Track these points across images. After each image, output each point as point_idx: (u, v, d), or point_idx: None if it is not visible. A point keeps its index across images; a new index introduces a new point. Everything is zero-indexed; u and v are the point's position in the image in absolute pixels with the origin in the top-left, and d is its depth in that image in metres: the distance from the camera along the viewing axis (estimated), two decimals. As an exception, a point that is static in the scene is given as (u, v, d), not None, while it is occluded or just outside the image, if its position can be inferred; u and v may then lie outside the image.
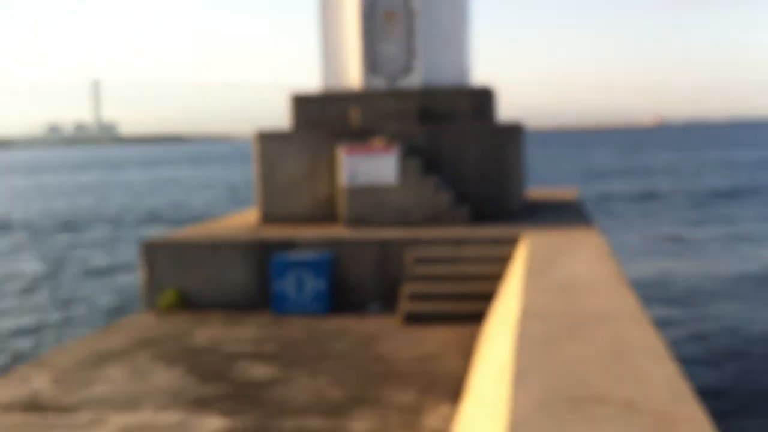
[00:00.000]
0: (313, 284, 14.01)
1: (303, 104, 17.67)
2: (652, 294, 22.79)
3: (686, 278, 25.68)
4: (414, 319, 12.88)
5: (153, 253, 14.95)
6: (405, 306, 13.11)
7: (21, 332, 20.51)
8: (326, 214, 16.73)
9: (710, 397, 14.14)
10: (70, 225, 47.73)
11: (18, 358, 17.53)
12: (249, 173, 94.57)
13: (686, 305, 21.97)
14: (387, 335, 12.20)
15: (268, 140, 16.94)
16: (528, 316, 7.56)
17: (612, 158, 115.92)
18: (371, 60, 17.57)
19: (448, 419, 8.42)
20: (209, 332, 12.85)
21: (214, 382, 10.13)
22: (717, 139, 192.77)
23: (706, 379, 15.59)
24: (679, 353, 16.49)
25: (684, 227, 38.55)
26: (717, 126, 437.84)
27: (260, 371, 10.50)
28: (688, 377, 5.67)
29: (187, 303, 14.74)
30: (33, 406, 9.37)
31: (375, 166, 15.68)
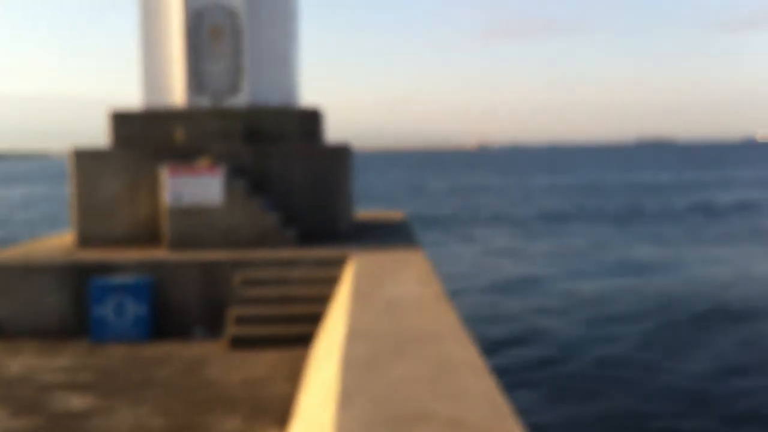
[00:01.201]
0: (134, 309, 13.50)
1: (123, 121, 17.05)
2: (475, 310, 23.59)
3: (510, 294, 26.78)
4: (241, 342, 12.67)
5: (-43, 278, 13.91)
6: (231, 329, 12.87)
7: None
8: (148, 236, 16.19)
9: (527, 405, 14.79)
10: None
11: None
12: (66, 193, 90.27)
13: (510, 321, 22.89)
14: (213, 360, 11.93)
15: (84, 158, 16.21)
16: (353, 337, 7.61)
17: (441, 179, 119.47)
18: (196, 78, 17.22)
19: (275, 444, 8.31)
20: (22, 362, 12.09)
21: (28, 414, 9.52)
22: (538, 163, 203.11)
23: (523, 389, 16.28)
24: (498, 368, 17.14)
25: (513, 246, 40.22)
26: (536, 150, 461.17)
27: (78, 402, 9.97)
28: (506, 392, 5.87)
29: (-4, 332, 13.80)
30: None
31: (200, 188, 15.35)
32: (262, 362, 11.72)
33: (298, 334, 12.71)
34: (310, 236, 16.27)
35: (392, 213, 23.31)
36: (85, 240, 16.21)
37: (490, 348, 19.34)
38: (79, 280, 13.91)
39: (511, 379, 17.01)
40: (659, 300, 25.96)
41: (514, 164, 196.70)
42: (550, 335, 21.37)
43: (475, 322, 21.58)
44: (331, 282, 13.74)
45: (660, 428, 14.71)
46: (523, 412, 13.62)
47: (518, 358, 19.05)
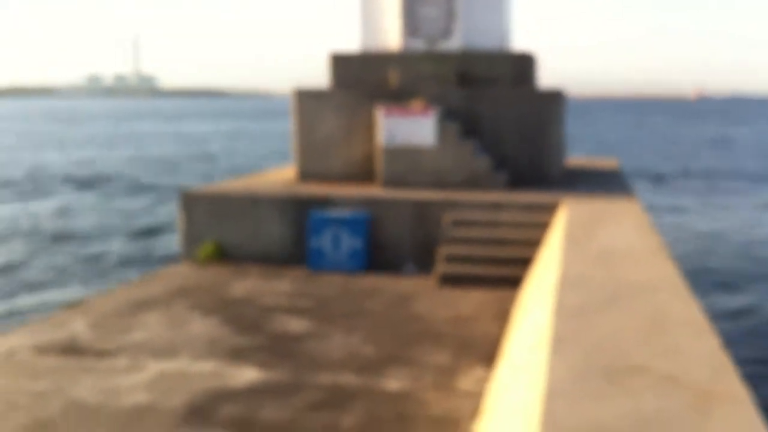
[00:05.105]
0: (350, 242, 14.06)
1: (341, 63, 17.59)
2: (693, 267, 22.51)
3: (730, 253, 25.32)
4: (450, 280, 12.89)
5: (192, 204, 15.08)
6: (441, 267, 13.11)
7: (62, 279, 20.88)
8: (363, 174, 16.72)
9: (751, 372, 14.00)
10: (112, 175, 48.22)
11: (59, 304, 17.86)
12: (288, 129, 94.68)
13: (728, 280, 21.70)
14: (422, 295, 12.23)
15: (306, 98, 16.91)
16: (567, 284, 7.51)
17: (662, 128, 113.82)
18: (411, 21, 17.40)
19: (482, 382, 8.44)
20: (246, 284, 12.98)
21: (250, 333, 10.25)
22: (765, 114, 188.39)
23: (747, 354, 15.42)
24: (721, 328, 16.30)
25: (752, 204, 37.54)
26: (764, 102, 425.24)
27: (295, 325, 10.60)
28: (729, 352, 5.59)
29: (225, 255, 14.88)
30: (71, 349, 9.56)
31: (413, 128, 15.60)
32: (469, 301, 11.87)
33: (506, 276, 12.75)
34: (520, 181, 16.15)
35: (605, 160, 22.60)
36: (305, 175, 17.00)
37: (717, 312, 18.42)
38: (299, 213, 14.65)
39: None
40: None
41: (741, 115, 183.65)
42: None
43: (699, 286, 20.58)
44: (541, 227, 13.61)
45: None
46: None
47: (743, 317, 18.04)
